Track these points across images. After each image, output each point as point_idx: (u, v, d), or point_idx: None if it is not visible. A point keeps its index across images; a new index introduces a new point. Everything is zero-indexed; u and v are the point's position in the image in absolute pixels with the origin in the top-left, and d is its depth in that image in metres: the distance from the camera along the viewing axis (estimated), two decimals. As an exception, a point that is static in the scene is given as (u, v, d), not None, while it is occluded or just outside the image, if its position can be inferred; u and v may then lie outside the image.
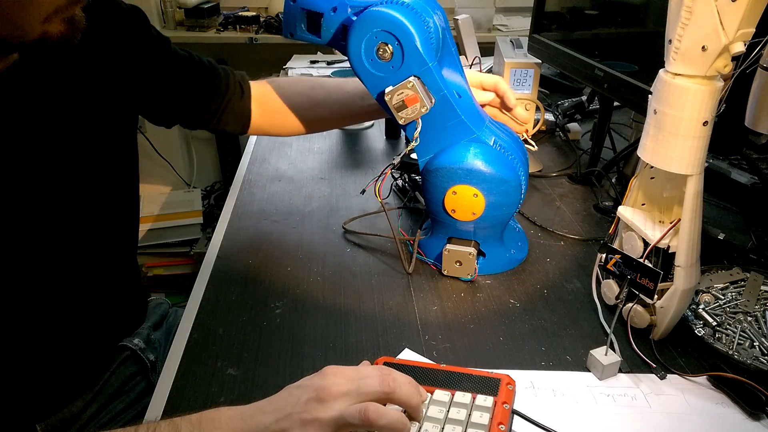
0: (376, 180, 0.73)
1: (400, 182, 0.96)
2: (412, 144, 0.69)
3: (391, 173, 0.97)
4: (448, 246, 0.73)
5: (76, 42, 0.55)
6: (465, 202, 0.70)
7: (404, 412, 0.46)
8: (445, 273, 0.74)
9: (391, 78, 0.66)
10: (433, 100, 0.67)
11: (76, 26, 0.54)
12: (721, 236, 0.78)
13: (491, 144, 0.70)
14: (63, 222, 0.63)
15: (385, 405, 0.46)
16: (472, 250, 0.72)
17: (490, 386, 0.50)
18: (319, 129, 0.92)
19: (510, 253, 0.78)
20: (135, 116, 0.75)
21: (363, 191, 0.80)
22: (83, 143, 0.64)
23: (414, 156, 0.94)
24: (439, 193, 0.71)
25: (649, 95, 0.56)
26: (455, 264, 0.73)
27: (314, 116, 0.87)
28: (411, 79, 0.65)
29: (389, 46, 0.64)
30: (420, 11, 0.65)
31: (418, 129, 0.68)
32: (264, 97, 0.86)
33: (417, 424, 0.46)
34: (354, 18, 0.66)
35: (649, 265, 0.59)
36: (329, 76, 1.29)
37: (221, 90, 0.83)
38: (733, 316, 0.65)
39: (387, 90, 0.66)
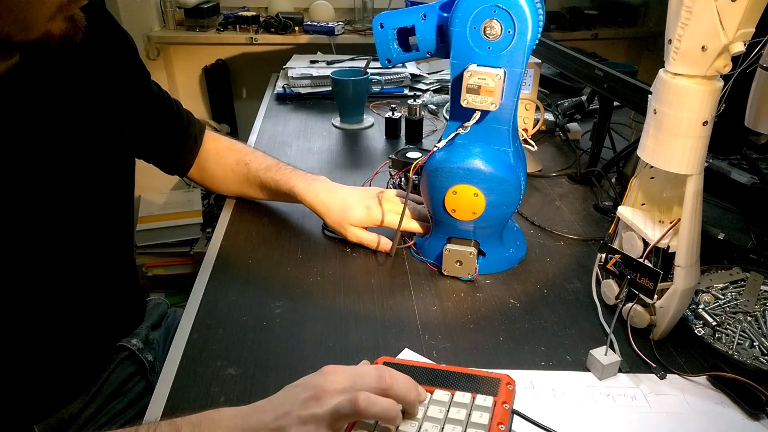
0: (415, 167, 0.72)
1: (396, 181, 0.96)
2: (460, 130, 0.67)
3: (389, 172, 0.97)
4: (449, 246, 0.73)
5: (77, 41, 0.55)
6: (465, 201, 0.70)
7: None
8: (445, 273, 0.74)
9: (481, 58, 0.64)
10: (501, 101, 0.65)
11: (77, 25, 0.54)
12: (721, 236, 0.78)
13: (514, 164, 0.70)
14: (60, 222, 0.63)
15: None
16: (473, 249, 0.72)
17: (490, 386, 0.50)
18: (238, 196, 0.94)
19: (509, 252, 0.78)
20: (128, 119, 0.74)
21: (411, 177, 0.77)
22: (80, 145, 0.64)
23: (410, 155, 0.95)
24: (439, 193, 0.71)
25: (649, 95, 0.56)
26: (456, 264, 0.73)
27: (237, 190, 0.92)
28: (500, 72, 0.63)
29: (501, 27, 0.62)
30: (539, 6, 0.63)
31: (474, 120, 0.66)
32: (203, 156, 0.90)
33: (417, 423, 0.46)
34: (445, 15, 0.66)
35: (649, 265, 0.59)
36: (329, 77, 1.29)
37: (179, 136, 0.86)
38: (733, 316, 0.65)
39: (471, 67, 0.63)
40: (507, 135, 0.68)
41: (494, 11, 0.61)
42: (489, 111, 0.65)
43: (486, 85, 0.63)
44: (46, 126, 0.60)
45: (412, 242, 0.81)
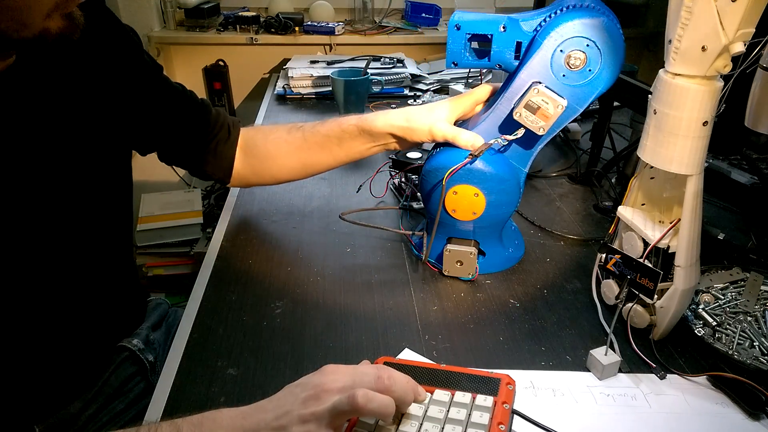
0: (452, 171, 0.69)
1: (396, 181, 0.97)
2: (499, 140, 0.67)
3: (389, 171, 0.97)
4: (449, 246, 0.73)
5: (76, 39, 0.55)
6: (466, 201, 0.70)
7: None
8: (446, 273, 0.74)
9: (550, 81, 0.63)
10: (546, 130, 0.65)
11: (75, 23, 0.54)
12: (721, 236, 0.78)
13: (514, 164, 0.70)
14: (59, 221, 0.62)
15: None
16: (473, 249, 0.72)
17: (490, 386, 0.50)
18: (301, 175, 0.84)
19: (508, 252, 0.78)
20: (128, 120, 0.73)
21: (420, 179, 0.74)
22: (78, 144, 0.64)
23: (411, 155, 0.95)
24: (440, 193, 0.71)
25: (649, 95, 0.56)
26: (456, 264, 0.73)
27: (296, 163, 0.81)
28: (564, 102, 0.63)
29: (585, 62, 0.62)
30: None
31: (517, 135, 0.66)
32: (246, 143, 0.82)
33: (417, 423, 0.46)
34: (532, 32, 0.65)
35: (649, 265, 0.59)
36: (329, 77, 1.29)
37: (208, 129, 0.79)
38: (733, 316, 0.65)
39: (540, 87, 0.63)
40: (529, 158, 0.70)
41: (587, 44, 0.62)
42: (534, 133, 0.65)
43: (546, 109, 0.63)
44: (43, 125, 0.60)
45: (410, 238, 0.80)
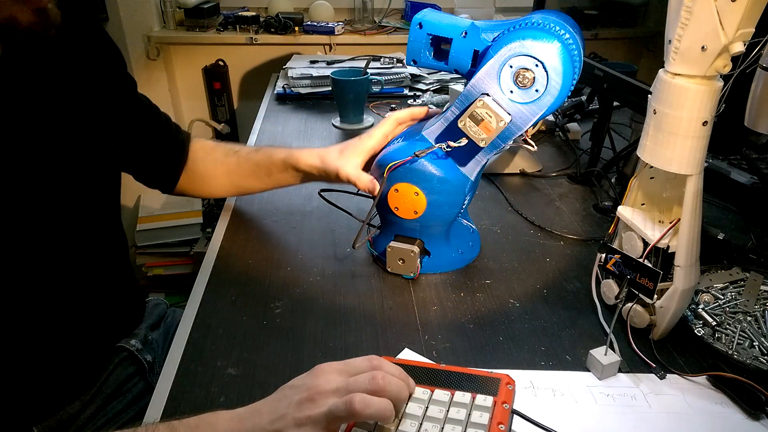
0: (390, 168, 0.69)
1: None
2: (443, 146, 0.67)
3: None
4: (392, 243, 0.73)
5: (51, 36, 0.55)
6: (407, 200, 0.70)
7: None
8: (389, 270, 0.75)
9: (498, 95, 0.63)
10: (488, 143, 0.65)
11: (48, 20, 0.54)
12: (721, 236, 0.78)
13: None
14: (51, 222, 0.62)
15: None
16: (415, 248, 0.72)
17: (489, 386, 0.50)
18: (235, 194, 0.91)
19: (457, 253, 0.78)
20: (114, 118, 0.73)
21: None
22: (63, 144, 0.64)
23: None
24: (383, 189, 0.71)
25: (649, 95, 0.56)
26: (398, 261, 0.74)
27: (228, 184, 0.87)
28: (507, 119, 0.63)
29: (534, 81, 0.61)
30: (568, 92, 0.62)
31: (460, 144, 0.66)
32: (191, 159, 0.86)
33: (416, 423, 0.46)
34: (490, 43, 0.64)
35: (649, 264, 0.59)
36: (329, 77, 1.29)
37: (165, 143, 0.83)
38: (733, 315, 0.65)
39: (486, 99, 0.63)
40: (476, 167, 0.69)
41: (536, 65, 0.61)
42: (476, 144, 0.66)
43: (489, 122, 0.63)
44: (29, 123, 0.60)
45: (369, 236, 0.80)
